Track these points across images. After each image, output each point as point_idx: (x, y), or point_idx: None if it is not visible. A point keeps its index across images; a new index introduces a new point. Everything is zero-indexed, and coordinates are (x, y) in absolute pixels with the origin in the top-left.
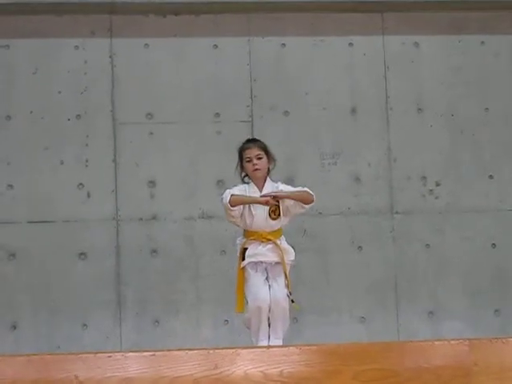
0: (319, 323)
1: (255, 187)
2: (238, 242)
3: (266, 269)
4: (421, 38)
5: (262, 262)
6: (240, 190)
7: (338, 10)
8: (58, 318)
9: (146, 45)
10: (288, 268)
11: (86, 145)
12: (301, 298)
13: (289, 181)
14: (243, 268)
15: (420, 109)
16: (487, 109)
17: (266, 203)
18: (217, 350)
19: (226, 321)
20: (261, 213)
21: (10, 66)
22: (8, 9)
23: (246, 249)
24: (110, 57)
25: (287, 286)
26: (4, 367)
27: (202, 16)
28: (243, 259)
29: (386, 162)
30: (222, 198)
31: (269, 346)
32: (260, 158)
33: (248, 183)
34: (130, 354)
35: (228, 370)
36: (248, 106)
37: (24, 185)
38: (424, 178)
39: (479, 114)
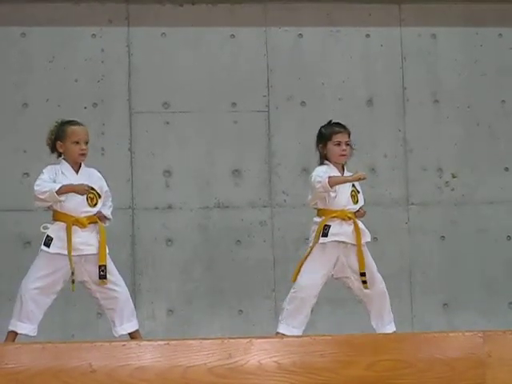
0: (333, 314)
1: (336, 171)
2: (315, 220)
3: (338, 256)
4: (438, 29)
5: (344, 243)
6: (327, 170)
7: (355, 0)
8: (73, 306)
9: (163, 34)
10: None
11: (102, 133)
12: None
13: (305, 171)
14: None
15: (436, 100)
16: (504, 101)
17: (364, 178)
18: (231, 340)
19: (241, 311)
20: (346, 190)
21: (26, 54)
22: None
23: (327, 226)
24: (127, 45)
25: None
26: (19, 355)
27: (219, 5)
28: (324, 236)
29: (401, 154)
30: (314, 178)
31: (283, 336)
32: (348, 145)
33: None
34: (145, 342)
35: (242, 359)
36: (264, 96)
37: (40, 173)
38: (440, 169)
39: (495, 106)
